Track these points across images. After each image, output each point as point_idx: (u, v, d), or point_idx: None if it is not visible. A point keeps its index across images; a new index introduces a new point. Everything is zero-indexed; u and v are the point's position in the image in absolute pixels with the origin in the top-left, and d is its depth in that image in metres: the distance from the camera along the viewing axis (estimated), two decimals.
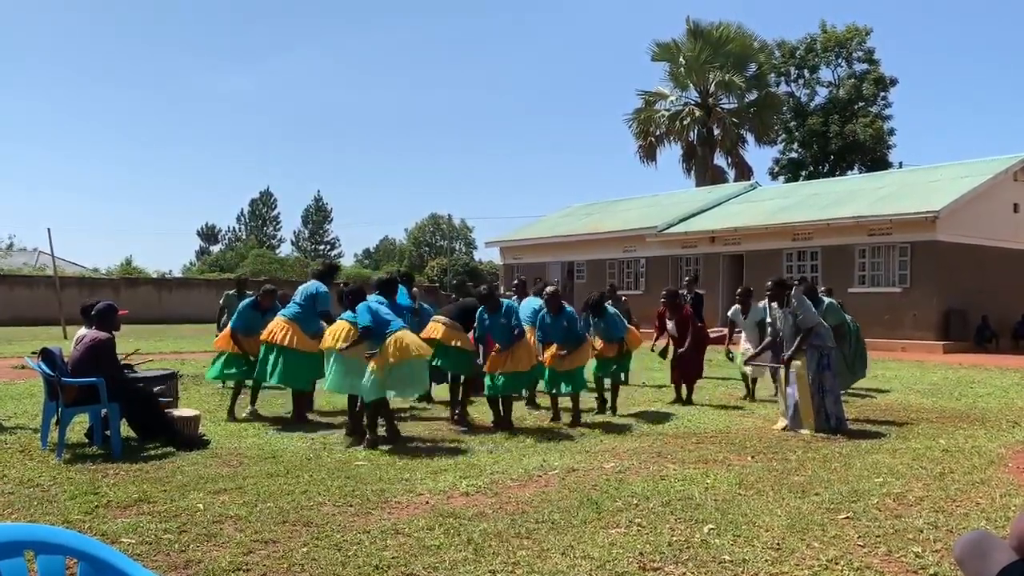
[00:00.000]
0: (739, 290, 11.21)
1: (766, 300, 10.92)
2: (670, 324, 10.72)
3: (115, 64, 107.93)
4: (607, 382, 9.79)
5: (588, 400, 9.54)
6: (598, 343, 9.61)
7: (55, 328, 24.19)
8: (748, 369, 10.61)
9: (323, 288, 8.69)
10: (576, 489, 5.67)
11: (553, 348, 8.70)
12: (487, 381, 8.37)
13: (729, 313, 11.18)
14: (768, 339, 8.88)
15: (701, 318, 12.45)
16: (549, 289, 9.07)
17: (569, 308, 8.97)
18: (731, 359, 10.99)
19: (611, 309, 9.70)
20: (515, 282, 11.91)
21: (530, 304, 9.94)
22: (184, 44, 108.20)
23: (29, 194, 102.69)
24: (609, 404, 9.53)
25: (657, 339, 11.24)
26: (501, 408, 8.41)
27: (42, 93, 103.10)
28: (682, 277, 25.58)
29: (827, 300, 10.18)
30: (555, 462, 6.58)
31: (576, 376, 8.74)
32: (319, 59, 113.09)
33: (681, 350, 10.42)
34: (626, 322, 10.03)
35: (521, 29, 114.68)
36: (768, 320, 8.82)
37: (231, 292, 12.80)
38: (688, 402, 10.23)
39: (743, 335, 10.86)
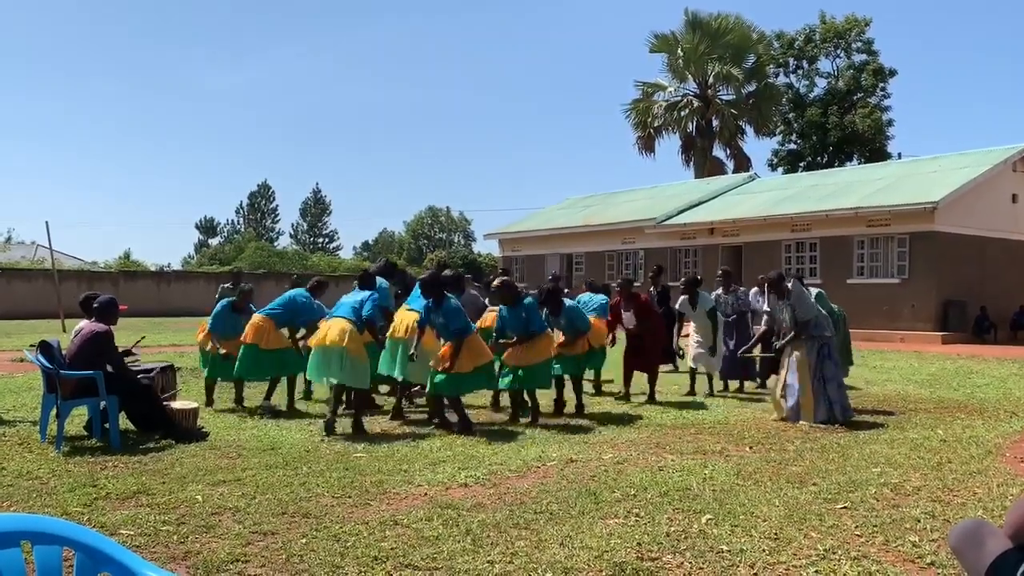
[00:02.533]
0: (683, 280, 10.62)
1: (720, 289, 10.86)
2: (626, 315, 9.83)
3: (113, 59, 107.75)
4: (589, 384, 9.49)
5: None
6: (559, 337, 8.90)
7: (54, 321, 24.17)
8: (692, 363, 10.37)
9: (384, 285, 8.88)
10: (574, 480, 5.68)
11: (510, 348, 8.07)
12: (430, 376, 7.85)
13: (677, 305, 10.64)
14: (764, 328, 8.86)
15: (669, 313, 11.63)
16: (498, 281, 8.49)
17: (527, 299, 8.26)
18: (680, 356, 10.38)
19: (569, 302, 9.05)
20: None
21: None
22: (181, 39, 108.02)
23: (28, 188, 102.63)
24: (576, 403, 8.76)
25: (611, 334, 10.09)
26: (447, 407, 7.86)
27: (40, 88, 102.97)
28: (681, 269, 25.65)
29: (815, 290, 9.83)
30: (553, 453, 6.58)
31: (536, 371, 8.06)
32: (318, 53, 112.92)
33: (631, 328, 9.66)
34: (586, 316, 9.20)
35: (520, 21, 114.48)
36: (766, 311, 8.80)
37: (227, 285, 12.80)
38: (651, 399, 9.46)
39: (692, 327, 10.45)
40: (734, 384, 10.79)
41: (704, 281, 11.35)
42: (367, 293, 7.94)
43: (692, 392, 10.33)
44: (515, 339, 8.04)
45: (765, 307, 10.77)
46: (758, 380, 10.69)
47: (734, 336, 10.52)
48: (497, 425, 8.06)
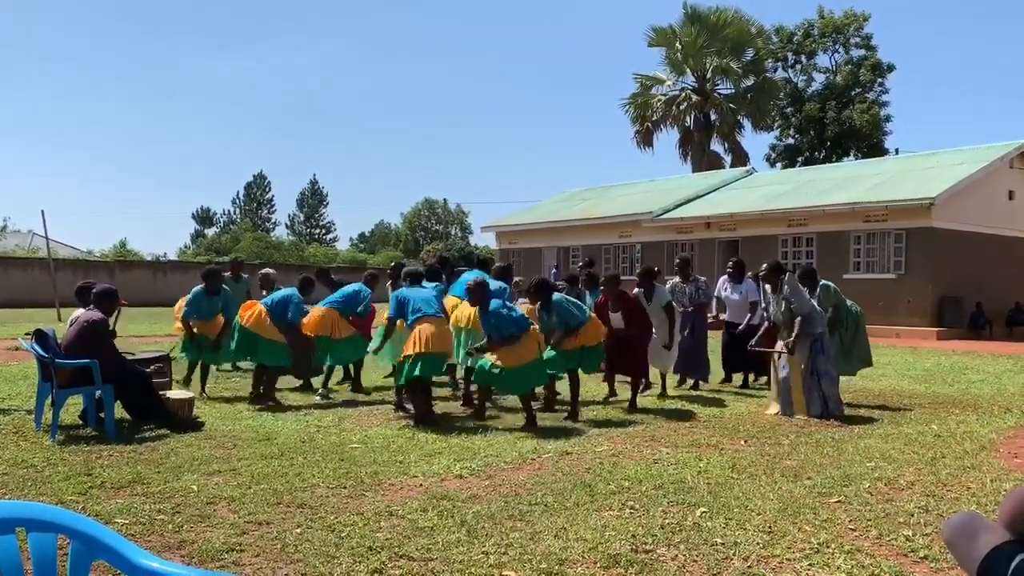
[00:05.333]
0: (639, 272, 9.73)
1: (677, 278, 10.34)
2: (614, 316, 8.82)
3: (110, 49, 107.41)
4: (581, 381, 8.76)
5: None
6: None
7: (49, 310, 24.11)
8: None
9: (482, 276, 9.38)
10: (570, 472, 5.69)
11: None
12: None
13: None
14: (765, 324, 8.83)
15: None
16: (471, 282, 7.86)
17: (495, 303, 7.56)
18: None
19: (557, 296, 8.17)
20: (390, 268, 10.67)
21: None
22: (178, 28, 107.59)
23: (24, 176, 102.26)
24: (569, 406, 8.13)
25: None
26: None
27: (36, 78, 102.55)
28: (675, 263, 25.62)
29: (823, 282, 9.13)
30: (549, 445, 6.59)
31: (513, 375, 7.41)
32: (315, 44, 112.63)
33: (624, 332, 8.69)
34: (586, 310, 8.49)
35: (519, 13, 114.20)
36: (762, 305, 8.78)
37: (226, 274, 12.73)
38: (632, 406, 8.58)
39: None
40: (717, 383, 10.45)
41: (703, 276, 11.06)
42: (435, 284, 8.76)
43: (647, 388, 9.69)
44: (492, 347, 7.55)
45: (728, 294, 10.54)
46: (708, 379, 10.33)
47: (690, 329, 9.98)
48: (462, 420, 7.89)
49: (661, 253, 26.44)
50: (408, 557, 3.92)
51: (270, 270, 11.51)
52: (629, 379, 8.95)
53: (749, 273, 10.98)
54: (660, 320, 9.33)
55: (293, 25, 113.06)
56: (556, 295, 8.19)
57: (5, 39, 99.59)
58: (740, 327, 10.19)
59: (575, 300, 8.55)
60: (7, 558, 1.98)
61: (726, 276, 10.84)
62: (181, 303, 9.52)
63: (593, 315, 8.48)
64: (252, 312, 8.83)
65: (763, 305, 8.77)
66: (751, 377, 10.68)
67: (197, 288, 9.29)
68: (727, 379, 10.80)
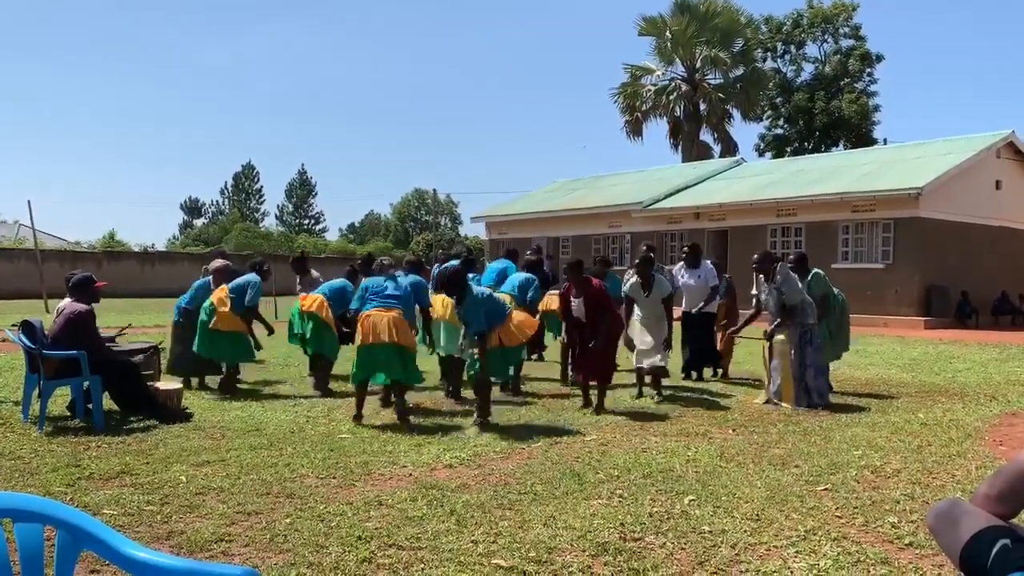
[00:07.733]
0: (638, 259, 8.72)
1: (681, 265, 10.03)
2: (575, 303, 7.97)
3: (97, 35, 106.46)
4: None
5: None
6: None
7: (36, 301, 23.97)
8: (636, 363, 8.58)
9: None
10: (559, 461, 5.70)
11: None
12: None
13: (626, 288, 8.69)
14: (752, 312, 8.86)
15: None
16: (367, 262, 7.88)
17: (367, 283, 7.27)
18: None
19: (477, 290, 7.14)
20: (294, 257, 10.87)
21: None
22: (167, 15, 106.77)
23: (10, 166, 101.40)
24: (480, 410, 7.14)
25: (566, 329, 8.58)
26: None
27: (24, 65, 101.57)
28: (667, 253, 25.70)
29: (814, 270, 8.90)
30: (538, 435, 6.61)
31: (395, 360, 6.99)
32: (304, 33, 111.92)
33: (593, 344, 7.84)
34: (503, 309, 7.35)
35: (509, 2, 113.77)
36: (753, 293, 8.79)
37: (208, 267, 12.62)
38: (599, 409, 7.76)
39: (636, 316, 8.65)
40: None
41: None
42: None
43: (640, 394, 8.72)
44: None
45: (685, 280, 10.29)
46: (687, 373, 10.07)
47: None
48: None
49: (650, 243, 26.45)
50: (397, 546, 3.93)
51: (219, 262, 10.09)
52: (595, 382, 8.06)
53: (710, 259, 10.86)
54: (656, 315, 8.53)
55: (282, 14, 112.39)
56: (477, 290, 7.18)
57: None
58: (693, 312, 10.02)
59: (495, 304, 7.33)
60: None
61: (682, 263, 10.44)
62: (224, 291, 8.73)
63: (513, 313, 7.53)
64: (314, 301, 8.90)
65: (754, 293, 8.77)
66: (708, 372, 10.38)
67: (256, 278, 8.97)
68: (687, 375, 10.22)
